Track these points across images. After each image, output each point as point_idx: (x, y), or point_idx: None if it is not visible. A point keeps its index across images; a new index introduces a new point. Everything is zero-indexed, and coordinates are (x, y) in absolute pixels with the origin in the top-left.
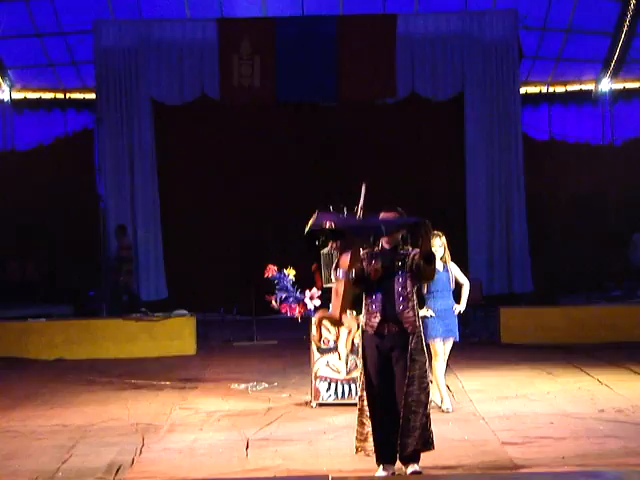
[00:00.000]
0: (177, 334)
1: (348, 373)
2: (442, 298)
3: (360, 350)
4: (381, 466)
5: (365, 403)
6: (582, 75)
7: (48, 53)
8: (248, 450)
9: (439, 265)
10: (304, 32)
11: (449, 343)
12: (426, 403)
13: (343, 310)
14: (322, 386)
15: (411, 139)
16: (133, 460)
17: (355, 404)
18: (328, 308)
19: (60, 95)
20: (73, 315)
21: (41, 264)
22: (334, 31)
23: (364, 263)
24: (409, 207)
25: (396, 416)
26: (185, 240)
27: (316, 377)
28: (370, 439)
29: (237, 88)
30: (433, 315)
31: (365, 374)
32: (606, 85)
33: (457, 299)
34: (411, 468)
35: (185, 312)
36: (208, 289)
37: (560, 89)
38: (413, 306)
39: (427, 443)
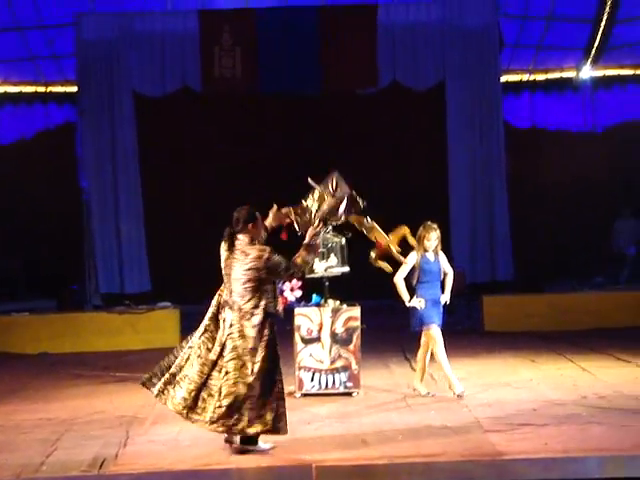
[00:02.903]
0: (161, 327)
1: (332, 363)
2: (433, 287)
3: (271, 332)
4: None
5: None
6: (563, 63)
7: (29, 46)
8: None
9: (431, 255)
10: (285, 23)
11: None
12: None
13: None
14: (306, 376)
15: (393, 129)
16: (117, 453)
17: (339, 394)
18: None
19: (41, 88)
20: (57, 309)
21: (23, 258)
22: (315, 21)
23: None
24: (391, 197)
25: None
26: (168, 232)
27: (300, 367)
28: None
29: (219, 79)
30: (423, 306)
31: (277, 358)
32: (587, 72)
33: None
34: None
35: (169, 304)
36: (192, 281)
37: (541, 77)
38: None
39: None
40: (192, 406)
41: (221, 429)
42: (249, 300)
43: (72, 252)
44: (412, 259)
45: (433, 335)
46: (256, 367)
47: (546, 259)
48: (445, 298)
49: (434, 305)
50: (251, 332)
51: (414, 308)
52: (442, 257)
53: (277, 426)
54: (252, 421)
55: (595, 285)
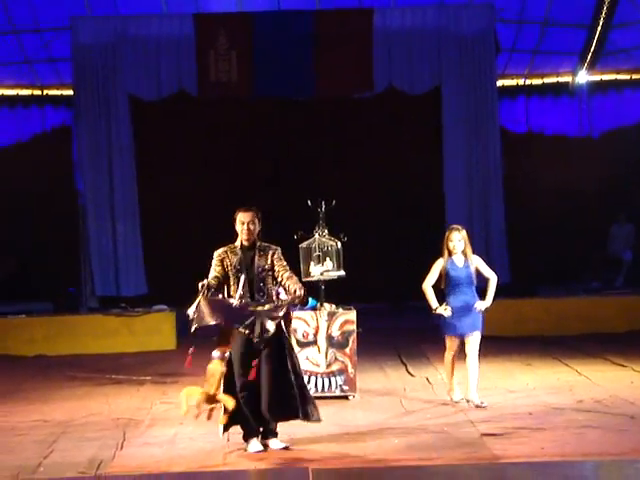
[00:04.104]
0: (157, 329)
1: (328, 367)
2: (462, 294)
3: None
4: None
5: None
6: (559, 67)
7: (25, 49)
8: (229, 443)
9: (459, 260)
10: (281, 27)
11: (473, 337)
12: None
13: (218, 389)
14: None
15: (388, 133)
16: (114, 455)
17: (336, 397)
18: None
19: (37, 92)
20: (53, 311)
21: (20, 261)
22: (311, 25)
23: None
24: (386, 201)
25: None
26: (164, 235)
27: None
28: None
29: (214, 83)
30: (449, 314)
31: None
32: (583, 77)
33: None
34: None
35: (165, 307)
36: (188, 284)
37: (537, 81)
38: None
39: None
40: None
41: None
42: None
43: (68, 254)
44: (438, 265)
45: (447, 344)
46: None
47: (542, 264)
48: (484, 305)
49: (463, 314)
50: None
51: (442, 315)
52: (476, 261)
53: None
54: None
55: (591, 290)
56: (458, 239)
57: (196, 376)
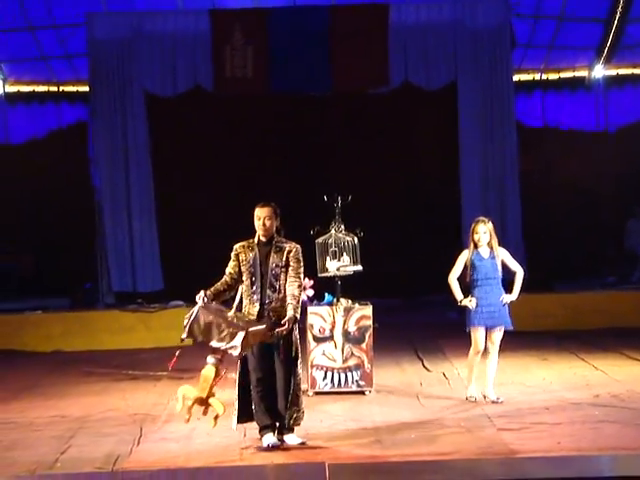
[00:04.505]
0: (173, 325)
1: (344, 362)
2: (486, 286)
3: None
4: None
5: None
6: (575, 62)
7: (41, 46)
8: (245, 439)
9: (485, 252)
10: (296, 22)
11: (497, 333)
12: None
13: (210, 394)
14: (318, 375)
15: (404, 128)
16: (131, 450)
17: (352, 392)
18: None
19: (53, 88)
20: (69, 307)
21: (37, 257)
22: (326, 21)
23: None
24: (401, 196)
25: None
26: (181, 231)
27: (312, 366)
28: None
29: (230, 79)
30: (473, 306)
31: None
32: (599, 72)
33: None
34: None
35: (181, 303)
36: (204, 280)
37: (553, 76)
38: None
39: None
40: None
41: None
42: None
43: (85, 250)
44: (463, 257)
45: (472, 337)
46: None
47: (558, 259)
48: (510, 298)
49: (488, 306)
50: None
51: (467, 308)
52: (502, 254)
53: None
54: None
55: (607, 285)
56: (484, 231)
57: None
